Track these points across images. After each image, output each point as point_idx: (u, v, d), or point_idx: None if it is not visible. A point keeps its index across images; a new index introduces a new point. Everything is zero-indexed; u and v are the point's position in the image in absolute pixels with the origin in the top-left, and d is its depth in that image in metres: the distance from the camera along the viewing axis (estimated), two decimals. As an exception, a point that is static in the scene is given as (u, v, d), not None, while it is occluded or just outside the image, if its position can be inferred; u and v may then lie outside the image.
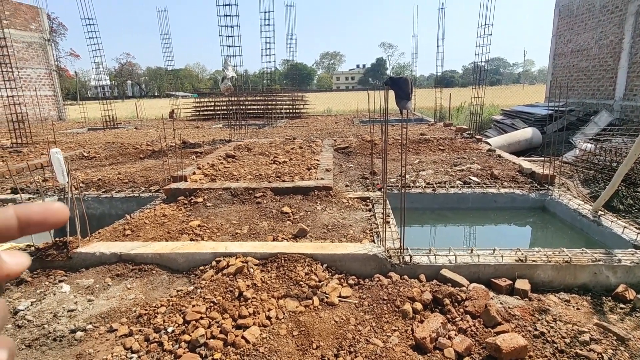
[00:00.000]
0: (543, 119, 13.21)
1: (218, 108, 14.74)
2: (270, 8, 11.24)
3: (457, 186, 5.27)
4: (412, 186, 5.32)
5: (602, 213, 4.23)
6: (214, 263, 3.17)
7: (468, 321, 2.46)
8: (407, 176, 5.74)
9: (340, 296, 2.78)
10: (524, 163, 5.92)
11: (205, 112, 15.12)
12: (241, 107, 9.59)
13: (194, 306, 2.64)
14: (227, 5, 7.65)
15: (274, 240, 3.60)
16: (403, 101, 2.80)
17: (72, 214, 3.48)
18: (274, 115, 13.33)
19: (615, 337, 2.27)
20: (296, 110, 15.88)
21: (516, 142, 11.26)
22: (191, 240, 3.67)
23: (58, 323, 2.62)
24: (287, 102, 15.92)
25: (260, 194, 4.74)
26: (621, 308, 2.78)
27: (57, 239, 3.53)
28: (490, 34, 8.67)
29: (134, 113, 19.25)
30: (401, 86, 2.78)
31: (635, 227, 3.80)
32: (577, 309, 2.73)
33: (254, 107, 14.62)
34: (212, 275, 3.01)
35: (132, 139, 10.27)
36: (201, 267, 3.19)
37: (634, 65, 11.31)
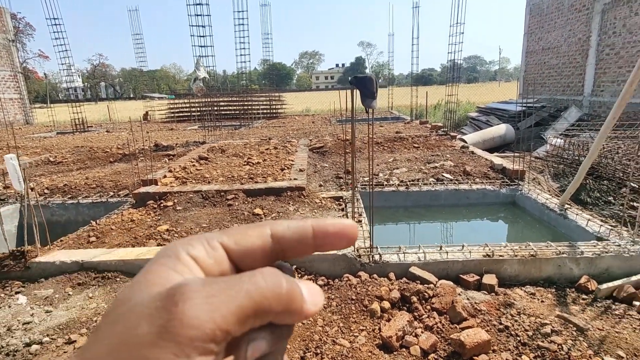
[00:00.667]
0: (516, 115, 13.54)
1: (194, 109, 14.48)
2: (243, 7, 11.15)
3: (430, 183, 5.32)
4: (386, 184, 5.34)
5: (568, 206, 4.34)
6: (180, 268, 3.08)
7: (434, 318, 2.47)
8: (381, 174, 5.76)
9: (308, 298, 2.74)
10: (496, 159, 6.03)
11: (181, 114, 14.84)
12: (215, 108, 9.44)
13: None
14: (198, 4, 7.51)
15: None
16: (368, 100, 2.79)
17: (30, 221, 3.33)
18: (251, 115, 13.21)
19: (575, 328, 2.32)
20: (273, 111, 15.77)
21: (490, 139, 11.49)
22: (158, 245, 3.57)
23: (12, 337, 2.50)
24: (264, 103, 15.79)
25: (232, 196, 4.66)
26: (583, 299, 2.85)
27: (14, 249, 3.37)
28: (462, 33, 8.81)
29: (107, 116, 18.75)
30: (366, 85, 2.77)
31: (599, 220, 3.90)
32: (542, 301, 2.78)
33: (229, 107, 14.43)
34: (178, 281, 2.92)
35: (102, 142, 9.98)
36: (167, 273, 3.10)
37: (601, 62, 11.70)
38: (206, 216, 4.25)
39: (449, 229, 5.01)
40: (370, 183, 3.26)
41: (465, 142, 11.25)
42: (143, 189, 4.92)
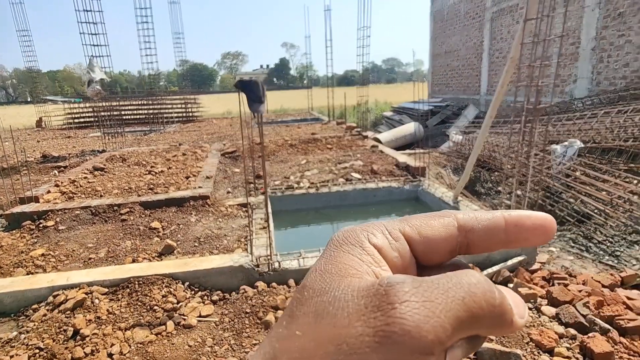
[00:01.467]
0: (425, 114, 14.51)
1: (98, 115, 13.18)
2: (147, 4, 10.39)
3: (340, 184, 5.40)
4: (296, 187, 5.31)
5: (461, 199, 4.68)
6: (50, 299, 2.71)
7: None
8: (292, 177, 5.72)
9: (200, 316, 2.57)
10: (400, 157, 6.33)
11: (82, 120, 13.42)
12: (116, 113, 8.67)
13: (12, 357, 2.19)
14: (87, -2, 6.80)
15: (133, 261, 3.23)
16: (255, 104, 2.69)
17: None
18: (164, 120, 12.40)
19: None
20: (189, 114, 15.01)
21: (402, 137, 12.14)
22: (28, 273, 3.11)
23: None
24: (179, 105, 14.96)
25: (126, 210, 4.26)
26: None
27: None
28: (369, 36, 9.16)
29: (-8, 123, 16.32)
30: (252, 89, 2.66)
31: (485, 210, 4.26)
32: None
33: (140, 112, 13.41)
34: (45, 315, 2.55)
35: (-21, 155, 8.60)
36: (34, 306, 2.70)
37: (493, 64, 13.00)
38: (94, 235, 3.82)
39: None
40: (265, 191, 3.17)
41: (380, 141, 11.77)
42: (18, 209, 4.29)
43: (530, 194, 5.02)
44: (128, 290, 2.73)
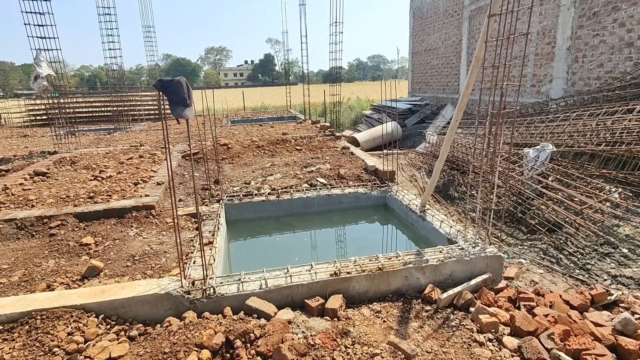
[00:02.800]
0: (404, 112, 14.28)
1: (48, 113, 12.46)
2: (109, -4, 9.68)
3: (303, 190, 5.05)
4: (256, 194, 4.93)
5: (428, 208, 4.39)
6: None
7: (257, 366, 2.10)
8: (253, 182, 5.34)
9: (109, 358, 2.19)
10: (369, 160, 6.02)
11: (44, 117, 12.65)
12: (68, 111, 8.09)
13: None
14: (33, -14, 6.22)
15: (48, 287, 2.81)
16: (179, 108, 2.31)
17: None
18: (131, 118, 11.80)
19: (403, 356, 2.14)
20: (162, 111, 14.38)
21: (379, 136, 11.85)
22: None
23: None
24: (151, 102, 14.33)
25: (57, 223, 3.82)
26: (426, 311, 2.75)
27: None
28: (342, 32, 8.81)
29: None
30: (175, 90, 2.28)
31: (451, 221, 3.97)
32: (384, 321, 2.61)
33: (106, 109, 12.76)
34: None
35: None
36: None
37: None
38: (12, 253, 3.38)
39: (320, 239, 4.79)
40: (195, 201, 2.78)
41: (357, 140, 11.47)
42: None
43: (498, 201, 4.77)
44: (27, 327, 2.33)
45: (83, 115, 13.27)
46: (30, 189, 4.74)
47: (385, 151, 9.07)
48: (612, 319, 2.70)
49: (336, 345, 2.29)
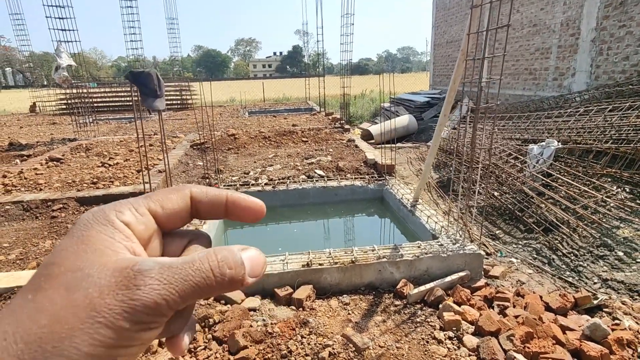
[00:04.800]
0: (422, 106, 14.00)
1: (69, 102, 13.06)
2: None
3: (299, 181, 5.10)
4: (253, 184, 5.02)
5: (421, 201, 4.33)
6: None
7: (211, 349, 2.18)
8: (251, 173, 5.44)
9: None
10: (369, 153, 5.98)
11: (74, 106, 13.24)
12: (87, 100, 8.44)
13: None
14: (53, -20, 6.52)
15: (37, 265, 3.00)
16: (150, 99, 2.40)
17: None
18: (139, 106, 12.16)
19: (354, 348, 2.16)
20: (184, 102, 14.80)
21: (394, 130, 11.70)
22: None
23: None
24: (173, 93, 14.74)
25: (59, 207, 4.04)
26: (395, 305, 2.75)
27: None
28: (353, 24, 8.70)
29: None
30: (145, 82, 2.37)
31: (439, 217, 3.91)
32: (348, 313, 2.63)
33: (127, 99, 13.23)
34: None
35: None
36: None
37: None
38: (14, 233, 3.61)
39: (312, 230, 4.83)
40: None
41: (370, 133, 11.37)
42: (-50, 202, 4.11)
43: (481, 198, 4.65)
44: (9, 301, 2.50)
45: (108, 104, 13.83)
46: (42, 174, 5.03)
47: (398, 144, 8.97)
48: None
49: (293, 335, 2.34)
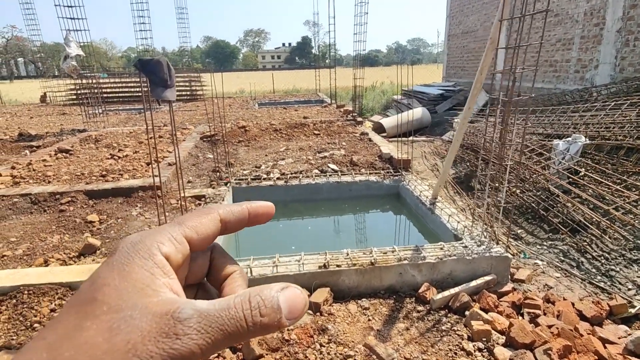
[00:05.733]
0: (436, 98, 13.68)
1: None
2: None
3: (312, 176, 4.93)
4: (264, 178, 4.87)
5: (440, 200, 4.14)
6: None
7: (225, 357, 2.05)
8: (263, 166, 5.29)
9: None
10: (384, 148, 5.78)
11: (84, 96, 13.19)
12: (96, 91, 8.34)
13: None
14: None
15: (45, 262, 2.90)
16: (159, 89, 2.24)
17: None
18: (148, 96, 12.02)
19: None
20: (193, 93, 14.68)
21: (407, 122, 11.43)
22: None
23: None
24: (183, 84, 14.61)
25: (67, 200, 3.94)
26: (418, 311, 2.59)
27: None
28: (367, 13, 8.43)
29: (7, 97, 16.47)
30: (155, 71, 2.21)
31: (461, 216, 3.73)
32: (369, 319, 2.48)
33: (137, 89, 13.14)
34: None
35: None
36: None
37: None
38: (22, 227, 3.52)
39: (326, 227, 4.68)
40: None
41: (382, 126, 11.13)
42: (-42, 193, 4.03)
43: (508, 198, 4.44)
44: (14, 301, 2.40)
45: (117, 94, 13.75)
46: (50, 166, 4.93)
47: (411, 138, 8.75)
48: (629, 335, 2.42)
49: (312, 342, 2.19)
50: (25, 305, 2.37)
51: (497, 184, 3.14)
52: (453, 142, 3.60)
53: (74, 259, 3.01)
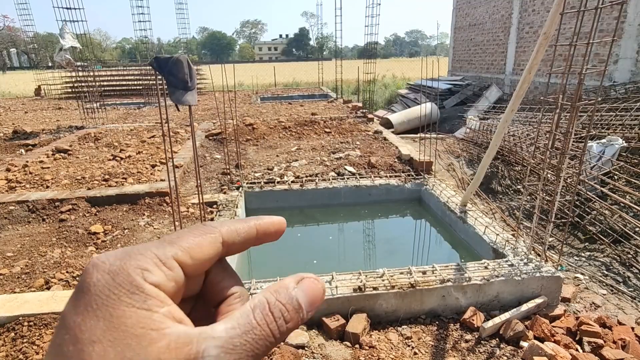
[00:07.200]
0: (443, 93, 13.36)
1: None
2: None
3: (329, 179, 4.63)
4: (279, 181, 4.57)
5: (469, 208, 3.86)
6: None
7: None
8: (276, 168, 4.98)
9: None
10: (403, 148, 5.48)
11: (80, 90, 12.74)
12: (94, 85, 7.95)
13: None
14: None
15: (46, 283, 2.60)
16: (179, 92, 1.92)
17: None
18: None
19: (439, 412, 1.73)
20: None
21: (415, 118, 11.12)
22: None
23: None
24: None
25: (68, 208, 3.62)
26: (466, 341, 2.32)
27: None
28: (379, 4, 8.07)
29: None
30: (173, 71, 1.89)
31: (497, 227, 3.45)
32: (415, 352, 2.20)
33: (137, 83, 12.71)
34: None
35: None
36: None
37: (522, 40, 11.67)
38: (19, 239, 3.20)
39: (346, 236, 4.38)
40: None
41: (390, 122, 10.82)
42: (-52, 200, 3.70)
43: (558, 202, 4.16)
44: (13, 334, 2.10)
45: (114, 88, 13.32)
46: (48, 168, 4.60)
47: (420, 134, 8.42)
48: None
49: (356, 384, 1.91)
50: (25, 340, 2.07)
51: (540, 197, 2.84)
52: (490, 146, 3.31)
53: (77, 278, 2.71)
